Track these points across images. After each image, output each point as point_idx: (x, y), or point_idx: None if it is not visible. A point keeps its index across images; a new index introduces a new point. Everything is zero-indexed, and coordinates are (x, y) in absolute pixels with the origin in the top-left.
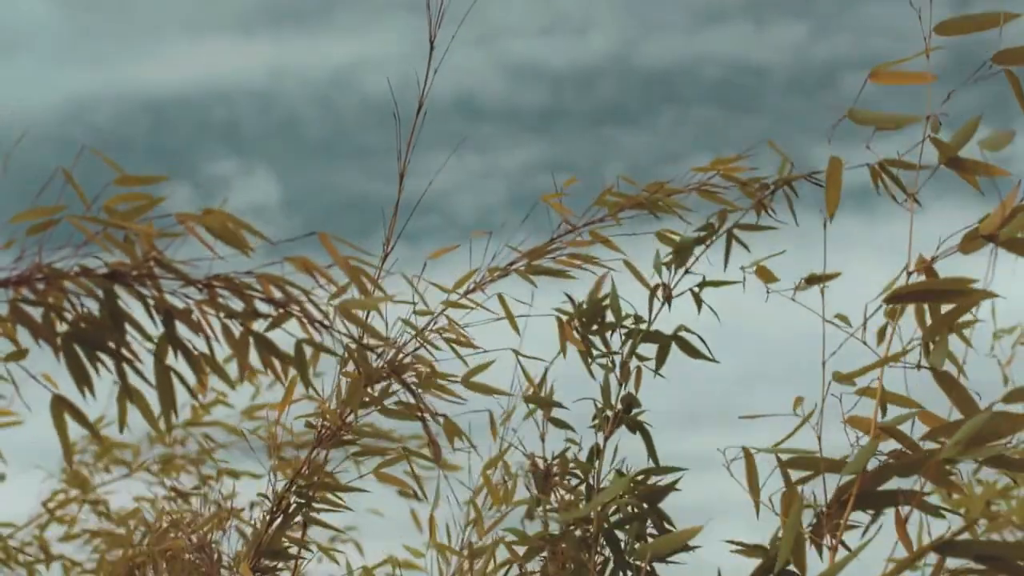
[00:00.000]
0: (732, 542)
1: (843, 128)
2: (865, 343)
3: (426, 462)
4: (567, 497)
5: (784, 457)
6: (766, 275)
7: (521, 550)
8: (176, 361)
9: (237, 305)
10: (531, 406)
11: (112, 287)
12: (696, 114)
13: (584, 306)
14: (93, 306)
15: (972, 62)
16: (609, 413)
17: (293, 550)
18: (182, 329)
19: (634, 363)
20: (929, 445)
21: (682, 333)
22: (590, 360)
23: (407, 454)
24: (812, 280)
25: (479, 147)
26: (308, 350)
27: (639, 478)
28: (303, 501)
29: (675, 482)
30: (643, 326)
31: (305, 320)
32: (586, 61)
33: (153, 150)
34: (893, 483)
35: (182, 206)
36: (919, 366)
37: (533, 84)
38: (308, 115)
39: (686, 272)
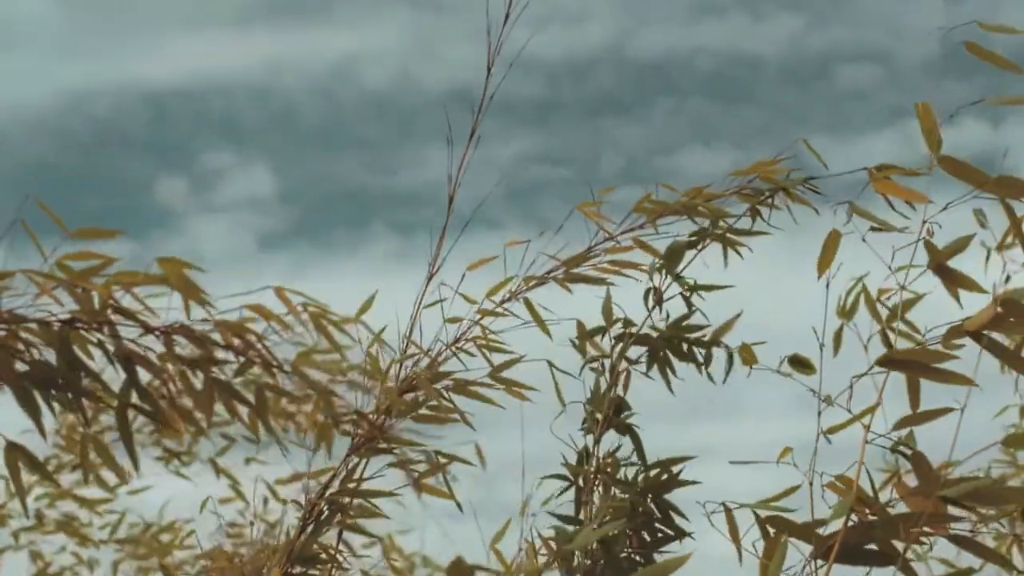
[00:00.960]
0: None
1: (836, 118)
2: (850, 412)
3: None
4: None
5: (763, 514)
6: (749, 356)
7: None
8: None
9: (194, 353)
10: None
11: (68, 335)
12: (691, 105)
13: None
14: (50, 354)
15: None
16: (599, 416)
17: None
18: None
19: (623, 366)
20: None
21: (671, 336)
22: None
23: (443, 464)
24: (794, 362)
25: (475, 139)
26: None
27: (652, 473)
28: (335, 509)
29: (678, 474)
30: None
31: (265, 366)
32: (581, 53)
33: (151, 142)
34: None
35: (177, 200)
36: (894, 449)
37: (527, 75)
38: (306, 108)
39: (677, 277)
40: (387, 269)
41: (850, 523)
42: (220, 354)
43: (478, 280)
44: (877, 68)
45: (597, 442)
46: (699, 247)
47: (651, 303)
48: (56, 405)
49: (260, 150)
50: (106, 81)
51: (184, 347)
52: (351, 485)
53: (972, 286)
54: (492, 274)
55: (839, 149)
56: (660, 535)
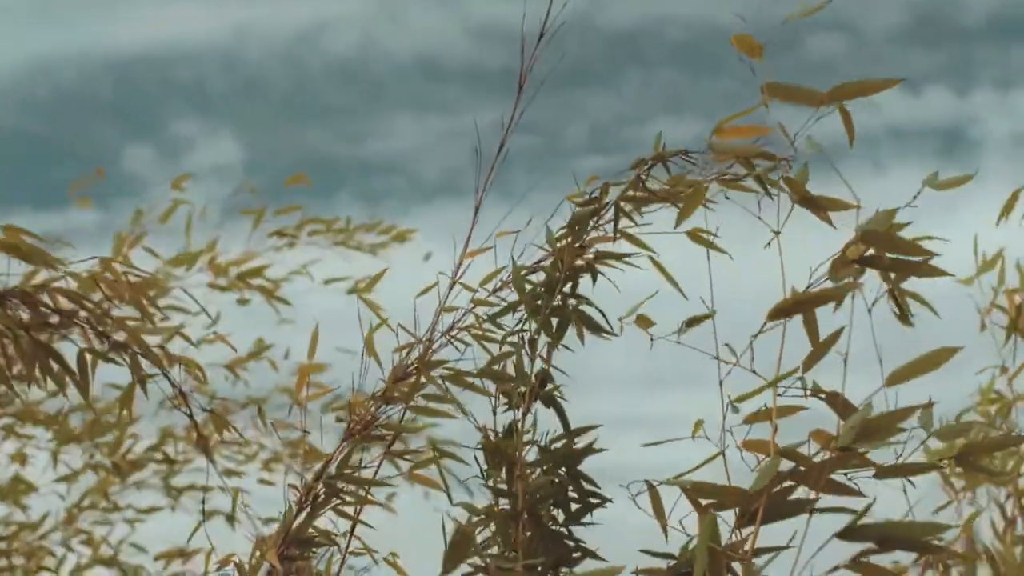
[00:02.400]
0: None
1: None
2: (755, 372)
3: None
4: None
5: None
6: (645, 322)
7: None
8: None
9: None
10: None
11: None
12: (661, 76)
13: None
14: None
15: (937, 21)
16: (523, 389)
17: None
18: None
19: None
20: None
21: (583, 307)
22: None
23: (435, 453)
24: (692, 322)
25: (442, 108)
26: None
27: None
28: (331, 493)
29: (591, 444)
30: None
31: (89, 331)
32: (549, 21)
33: (117, 109)
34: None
35: (144, 168)
36: (806, 393)
37: (496, 44)
38: (272, 75)
39: (580, 245)
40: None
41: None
42: (52, 320)
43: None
44: (844, 37)
45: (525, 415)
46: (598, 216)
47: (560, 274)
48: None
49: (227, 118)
50: (72, 48)
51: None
52: (347, 471)
53: (842, 206)
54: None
55: (806, 119)
56: (580, 506)
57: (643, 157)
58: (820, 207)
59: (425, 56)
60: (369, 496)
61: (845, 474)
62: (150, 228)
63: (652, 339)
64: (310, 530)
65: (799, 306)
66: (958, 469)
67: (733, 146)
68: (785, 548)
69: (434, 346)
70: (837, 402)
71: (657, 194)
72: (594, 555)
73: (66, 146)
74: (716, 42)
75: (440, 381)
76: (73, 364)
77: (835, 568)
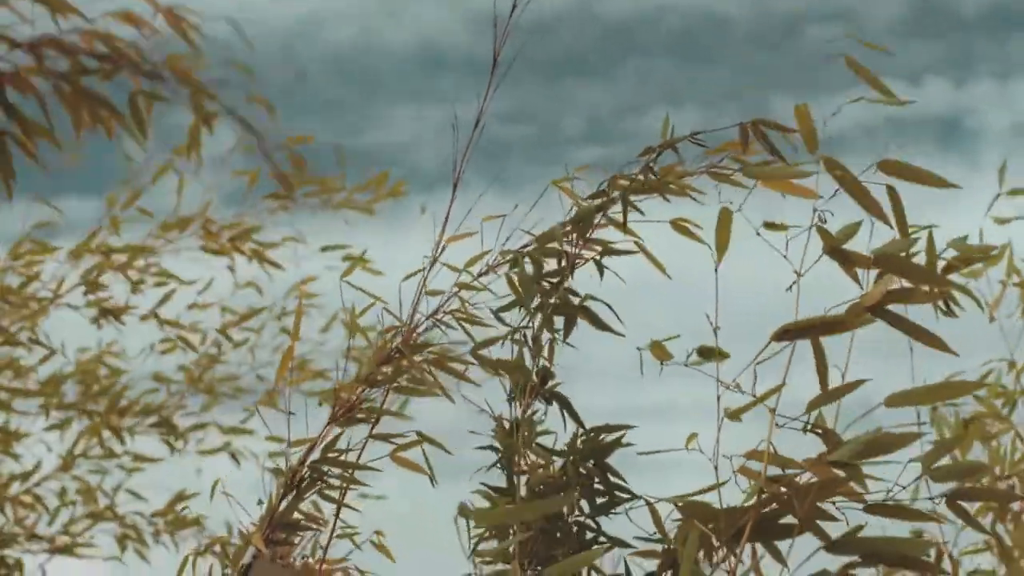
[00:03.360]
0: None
1: (803, 79)
2: (754, 396)
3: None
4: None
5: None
6: (661, 352)
7: None
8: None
9: (64, 66)
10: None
11: None
12: (657, 65)
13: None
14: None
15: (936, 12)
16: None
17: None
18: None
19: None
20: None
21: (588, 303)
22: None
23: (421, 439)
24: (703, 353)
25: (440, 98)
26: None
27: (588, 436)
28: (316, 476)
29: (620, 438)
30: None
31: (134, 71)
32: (547, 10)
33: (113, 98)
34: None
35: (140, 156)
36: (806, 430)
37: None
38: (269, 64)
39: (587, 240)
40: (351, 229)
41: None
42: (92, 65)
43: (455, 252)
44: (844, 28)
45: (524, 411)
46: (603, 211)
47: (566, 269)
48: None
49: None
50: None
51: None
52: (332, 455)
53: (869, 263)
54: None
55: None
56: (607, 499)
57: (651, 146)
58: (849, 261)
59: (423, 47)
60: (353, 477)
61: (834, 502)
62: (144, 188)
63: (662, 366)
64: (296, 514)
65: (806, 331)
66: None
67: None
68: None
69: (418, 329)
70: (830, 440)
71: (647, 184)
72: (622, 543)
73: (62, 135)
74: (713, 31)
75: (425, 365)
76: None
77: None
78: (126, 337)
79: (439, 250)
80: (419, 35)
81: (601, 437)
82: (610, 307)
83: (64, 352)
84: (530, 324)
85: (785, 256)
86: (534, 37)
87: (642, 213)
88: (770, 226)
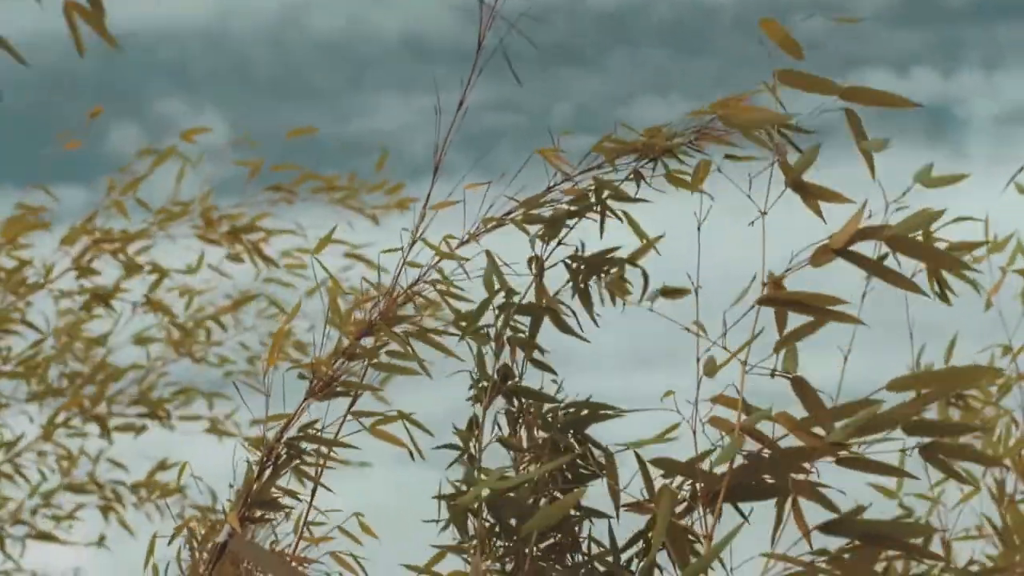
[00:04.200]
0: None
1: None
2: (726, 348)
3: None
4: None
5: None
6: (620, 289)
7: None
8: None
9: None
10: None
11: None
12: (647, 55)
13: None
14: None
15: (923, 2)
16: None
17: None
18: None
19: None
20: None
21: (554, 307)
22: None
23: (402, 416)
24: (666, 293)
25: (428, 87)
26: None
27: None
28: (293, 453)
29: (599, 409)
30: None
31: None
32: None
33: (101, 88)
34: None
35: (130, 147)
36: (773, 373)
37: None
38: (257, 54)
39: (559, 243)
40: (339, 217)
41: (737, 462)
42: None
43: (437, 227)
44: (832, 17)
45: (485, 410)
46: (578, 216)
47: (533, 271)
48: None
49: (211, 97)
50: (56, 27)
51: None
52: (310, 431)
53: (834, 197)
54: (452, 220)
55: (795, 98)
56: (583, 472)
57: (722, 128)
58: (811, 194)
59: (411, 35)
60: (332, 454)
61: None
62: (143, 174)
63: (624, 305)
64: (272, 491)
65: (790, 303)
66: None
67: (749, 118)
68: (742, 525)
69: (398, 300)
70: (801, 387)
71: (631, 144)
72: (600, 514)
73: (50, 125)
74: (702, 21)
75: (403, 337)
76: None
77: (812, 564)
78: (115, 323)
79: (422, 223)
80: (406, 23)
81: (582, 411)
82: (573, 312)
83: (48, 337)
84: (493, 324)
85: (749, 196)
86: (524, 25)
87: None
88: (730, 157)
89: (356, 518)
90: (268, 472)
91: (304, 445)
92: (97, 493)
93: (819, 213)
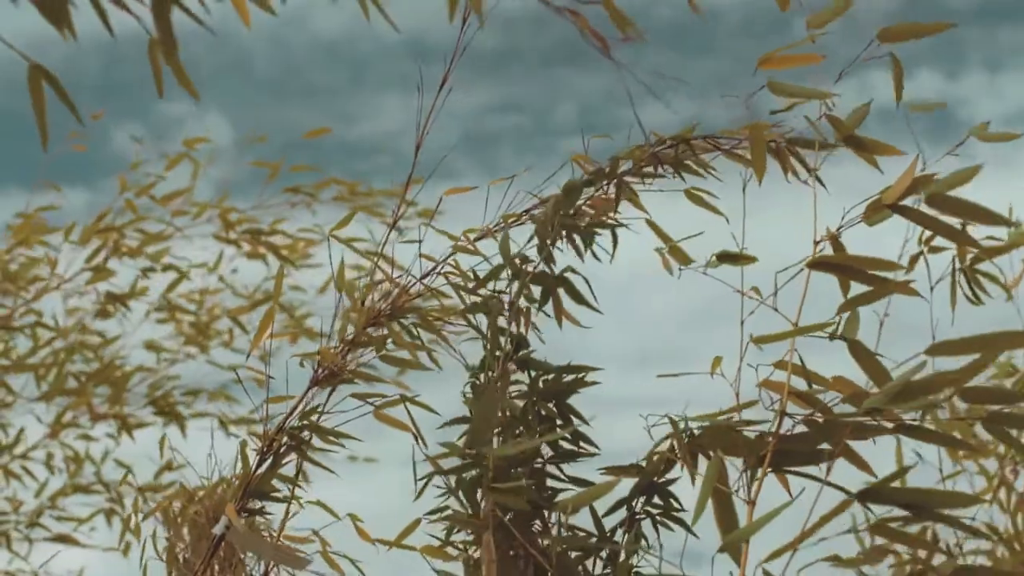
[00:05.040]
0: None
1: (794, 70)
2: (776, 310)
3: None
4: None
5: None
6: (680, 256)
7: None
8: None
9: None
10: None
11: None
12: (648, 56)
13: None
14: None
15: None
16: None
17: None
18: None
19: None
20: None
21: (567, 275)
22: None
23: (404, 399)
24: (723, 257)
25: (430, 88)
26: None
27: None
28: (295, 443)
29: (582, 378)
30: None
31: None
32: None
33: (105, 89)
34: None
35: (133, 148)
36: (832, 336)
37: (487, 24)
38: (259, 54)
39: (574, 214)
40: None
41: (785, 427)
42: None
43: (452, 224)
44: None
45: (497, 380)
46: (596, 188)
47: (549, 239)
48: None
49: (214, 98)
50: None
51: None
52: (313, 419)
53: (887, 150)
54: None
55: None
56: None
57: (662, 136)
58: (865, 148)
59: (412, 36)
60: (338, 442)
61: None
62: (157, 179)
63: (679, 271)
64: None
65: (842, 267)
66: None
67: (789, 87)
68: (792, 501)
69: (409, 290)
70: (860, 352)
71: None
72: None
73: (54, 126)
74: (702, 22)
75: (412, 328)
76: None
77: (855, 530)
78: (130, 325)
79: (437, 210)
80: (408, 24)
81: (563, 378)
82: (587, 282)
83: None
84: (508, 290)
85: (803, 161)
86: (527, 28)
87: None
88: (775, 112)
89: (352, 520)
90: (268, 463)
91: (306, 435)
92: (104, 495)
93: (876, 164)
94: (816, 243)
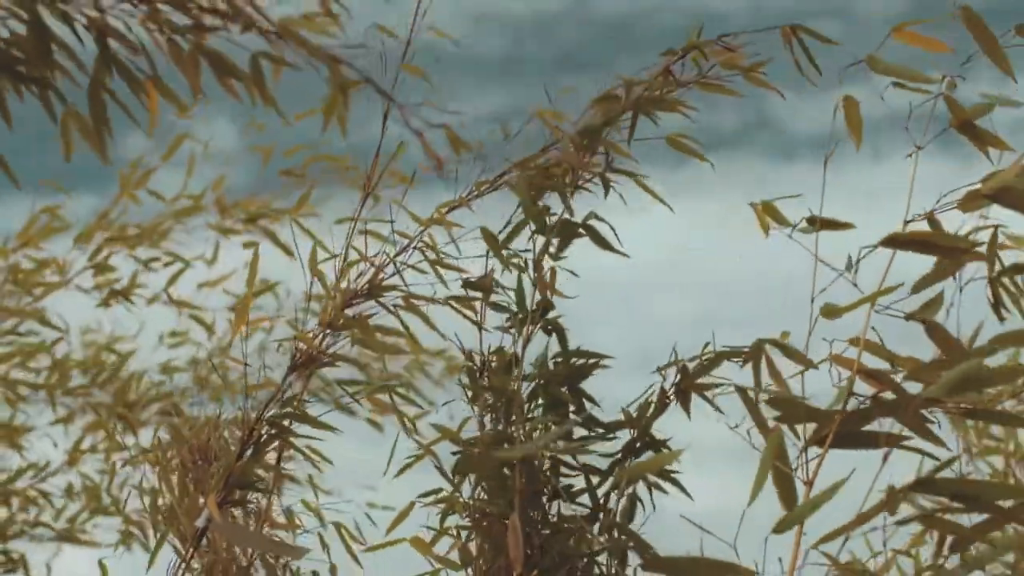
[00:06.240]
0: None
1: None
2: (855, 284)
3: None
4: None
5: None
6: (773, 214)
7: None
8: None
9: (180, 20)
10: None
11: (35, 7)
12: (655, 62)
13: None
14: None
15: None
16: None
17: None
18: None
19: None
20: (913, 388)
21: (591, 222)
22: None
23: (389, 388)
24: (812, 222)
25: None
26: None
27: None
28: (276, 431)
29: (596, 363)
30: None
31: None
32: (546, 8)
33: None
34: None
35: (140, 152)
36: (908, 316)
37: (492, 32)
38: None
39: (594, 154)
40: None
41: (852, 405)
42: (208, 20)
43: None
44: (839, 23)
45: (525, 345)
46: (610, 125)
47: (569, 188)
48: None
49: (222, 103)
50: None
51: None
52: (293, 408)
53: (998, 143)
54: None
55: (804, 104)
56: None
57: (673, 48)
58: (976, 137)
59: (419, 43)
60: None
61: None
62: (155, 165)
63: (768, 233)
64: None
65: (915, 244)
66: None
67: (891, 65)
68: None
69: (384, 269)
70: (937, 332)
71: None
72: (600, 472)
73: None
74: (710, 29)
75: (392, 308)
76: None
77: (906, 520)
78: (134, 320)
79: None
80: (416, 30)
81: (576, 361)
82: (612, 228)
83: (69, 339)
84: (530, 248)
85: (907, 128)
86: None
87: (656, 125)
88: (899, 86)
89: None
90: (249, 452)
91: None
92: (120, 516)
93: (986, 154)
94: (907, 222)
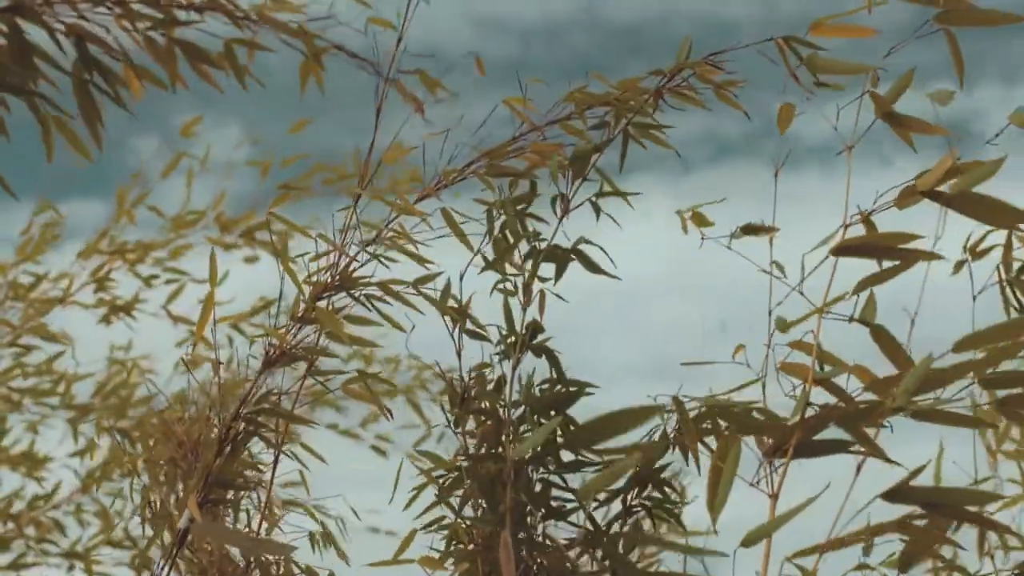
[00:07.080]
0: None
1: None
2: (803, 294)
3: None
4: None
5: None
6: (700, 220)
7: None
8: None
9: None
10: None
11: (15, 20)
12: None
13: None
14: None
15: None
16: (513, 339)
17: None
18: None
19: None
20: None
21: (581, 247)
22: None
23: (363, 377)
24: (748, 230)
25: (445, 100)
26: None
27: (544, 387)
28: (252, 429)
29: (582, 390)
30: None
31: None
32: (555, 14)
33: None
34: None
35: (150, 160)
36: (851, 319)
37: (501, 37)
38: (276, 66)
39: (584, 180)
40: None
41: (807, 414)
42: (181, 15)
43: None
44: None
45: (515, 367)
46: (603, 150)
47: (558, 211)
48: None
49: (232, 110)
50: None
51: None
52: (267, 405)
53: (927, 129)
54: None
55: (810, 111)
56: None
57: (660, 68)
58: (903, 125)
59: (427, 47)
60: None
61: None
62: (153, 185)
63: (703, 239)
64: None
65: (866, 250)
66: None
67: (832, 62)
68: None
69: (355, 257)
70: (883, 338)
71: (602, 97)
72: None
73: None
74: (720, 37)
75: (361, 299)
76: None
77: (880, 530)
78: (135, 335)
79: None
80: (422, 34)
81: (564, 388)
82: (604, 251)
83: (74, 353)
84: (521, 272)
85: (835, 127)
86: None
87: (643, 146)
88: (822, 85)
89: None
90: (227, 450)
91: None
92: (133, 549)
93: (911, 144)
94: (846, 226)
